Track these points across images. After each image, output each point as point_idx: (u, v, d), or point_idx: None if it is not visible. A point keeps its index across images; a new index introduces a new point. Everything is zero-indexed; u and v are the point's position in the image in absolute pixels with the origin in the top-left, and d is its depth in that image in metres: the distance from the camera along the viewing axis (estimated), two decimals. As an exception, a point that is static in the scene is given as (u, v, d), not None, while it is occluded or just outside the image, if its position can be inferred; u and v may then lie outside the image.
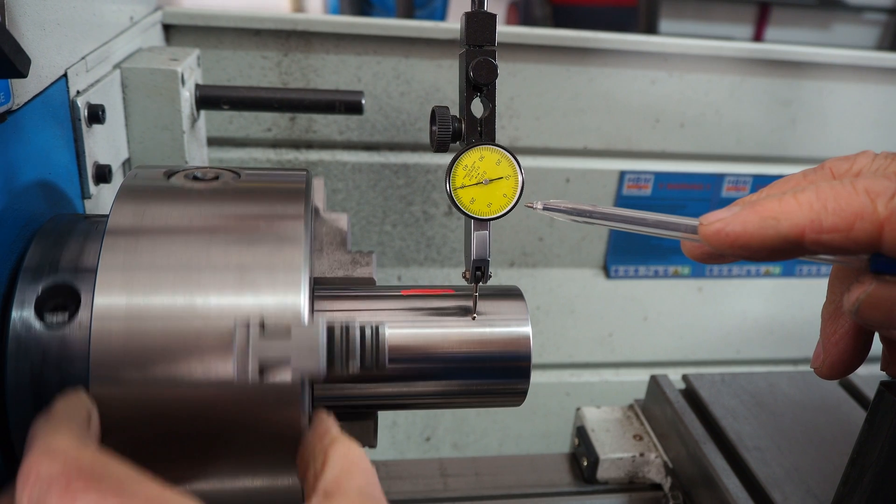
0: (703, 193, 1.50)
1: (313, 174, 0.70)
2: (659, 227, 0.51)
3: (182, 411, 0.50)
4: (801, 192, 0.44)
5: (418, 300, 0.65)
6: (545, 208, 0.57)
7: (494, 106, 0.63)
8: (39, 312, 0.55)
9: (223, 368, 0.50)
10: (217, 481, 0.53)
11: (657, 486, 0.94)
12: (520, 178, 0.62)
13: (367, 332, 0.56)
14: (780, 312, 1.60)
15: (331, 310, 0.63)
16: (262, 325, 0.50)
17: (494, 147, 0.62)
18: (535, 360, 0.65)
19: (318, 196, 0.72)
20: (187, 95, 0.99)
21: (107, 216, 0.55)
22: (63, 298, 0.56)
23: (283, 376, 0.50)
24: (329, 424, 0.51)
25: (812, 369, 0.54)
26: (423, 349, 0.62)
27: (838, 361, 0.52)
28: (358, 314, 0.62)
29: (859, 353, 0.52)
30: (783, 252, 0.45)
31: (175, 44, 1.23)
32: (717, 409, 0.94)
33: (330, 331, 0.54)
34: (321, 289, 0.65)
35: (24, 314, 0.55)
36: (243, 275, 0.53)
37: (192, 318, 0.51)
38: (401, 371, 0.62)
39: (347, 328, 0.55)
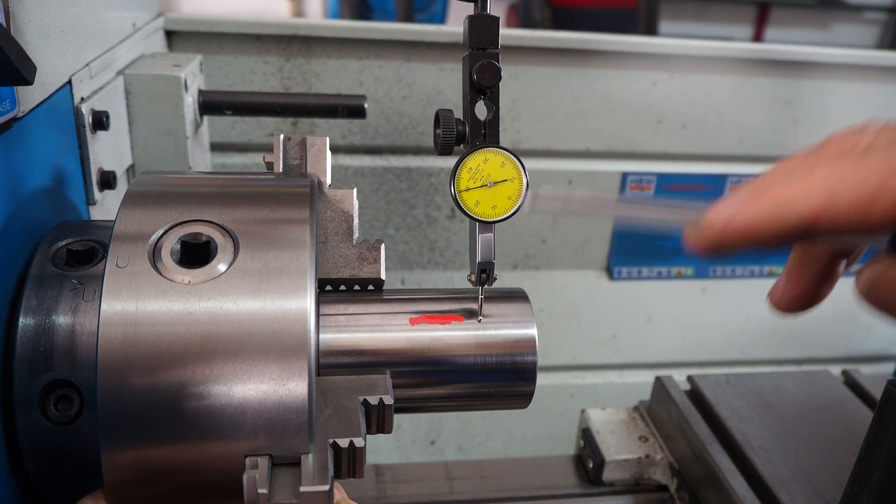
0: (705, 194, 1.50)
1: (317, 136, 0.66)
2: (663, 214, 0.49)
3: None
4: (810, 172, 0.42)
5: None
6: (534, 197, 0.53)
7: (498, 108, 0.63)
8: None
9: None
10: None
11: (663, 488, 0.94)
12: (524, 181, 0.62)
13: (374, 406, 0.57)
14: (784, 312, 1.59)
15: (335, 313, 0.63)
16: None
17: (499, 149, 0.62)
18: (539, 362, 0.65)
19: (321, 166, 0.65)
20: (190, 101, 0.99)
21: (112, 221, 0.55)
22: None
23: None
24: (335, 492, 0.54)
25: (772, 303, 0.51)
26: (430, 352, 0.62)
27: (797, 297, 0.50)
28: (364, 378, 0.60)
29: (821, 292, 0.50)
30: (793, 238, 0.43)
31: (177, 50, 1.23)
32: (722, 409, 0.94)
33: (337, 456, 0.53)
34: (326, 293, 0.65)
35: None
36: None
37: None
38: (407, 375, 0.62)
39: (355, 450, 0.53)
